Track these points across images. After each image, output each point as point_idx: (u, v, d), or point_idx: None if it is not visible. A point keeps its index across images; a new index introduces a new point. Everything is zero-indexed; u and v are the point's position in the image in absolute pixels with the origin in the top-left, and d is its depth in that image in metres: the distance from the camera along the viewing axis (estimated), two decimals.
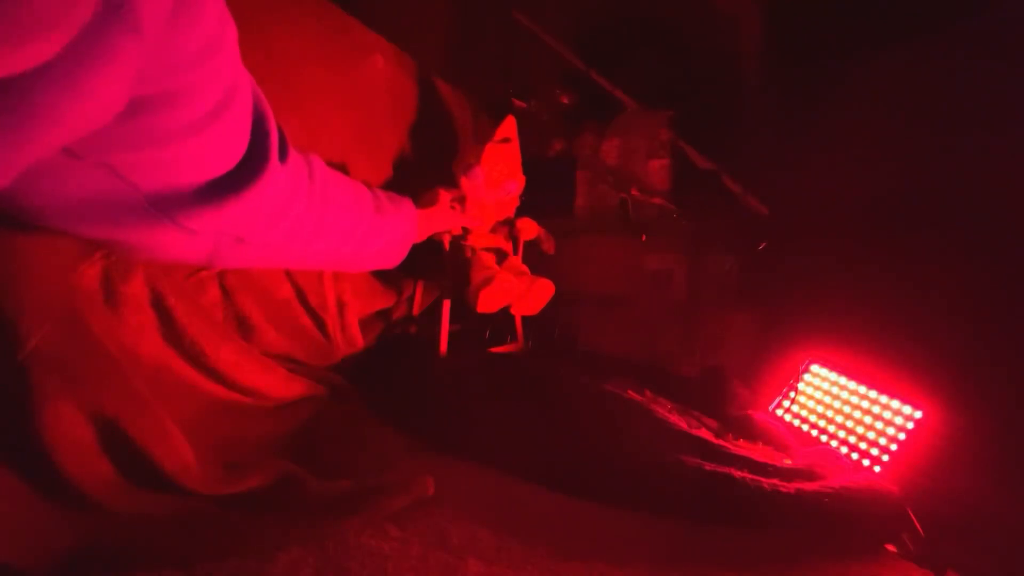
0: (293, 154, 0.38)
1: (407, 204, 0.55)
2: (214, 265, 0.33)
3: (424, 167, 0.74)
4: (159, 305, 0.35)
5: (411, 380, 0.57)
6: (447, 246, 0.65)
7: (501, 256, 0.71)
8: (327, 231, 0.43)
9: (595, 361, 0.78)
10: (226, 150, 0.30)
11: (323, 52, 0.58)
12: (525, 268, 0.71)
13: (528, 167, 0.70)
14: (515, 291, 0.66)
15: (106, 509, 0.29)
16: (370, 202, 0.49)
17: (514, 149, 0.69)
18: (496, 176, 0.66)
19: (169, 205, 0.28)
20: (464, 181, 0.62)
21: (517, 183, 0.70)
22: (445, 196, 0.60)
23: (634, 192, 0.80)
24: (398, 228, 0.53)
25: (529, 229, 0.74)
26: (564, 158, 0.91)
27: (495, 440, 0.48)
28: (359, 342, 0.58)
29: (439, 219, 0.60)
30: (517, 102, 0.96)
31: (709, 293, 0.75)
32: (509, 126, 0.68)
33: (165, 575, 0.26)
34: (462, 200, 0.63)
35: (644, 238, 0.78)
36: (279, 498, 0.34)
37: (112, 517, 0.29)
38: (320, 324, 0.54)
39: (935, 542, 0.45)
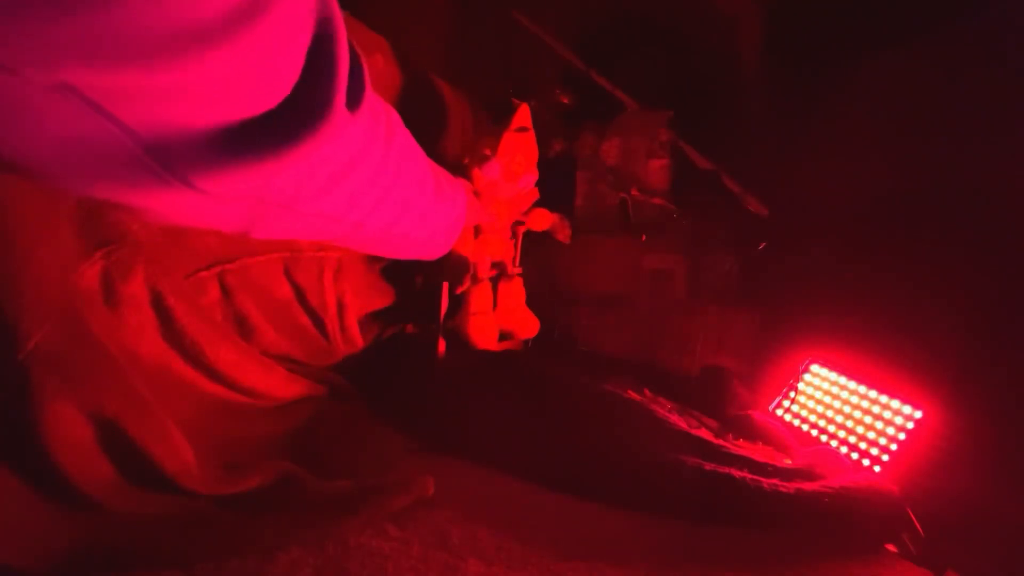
0: (371, 99, 0.28)
1: (462, 187, 0.48)
2: (252, 235, 0.26)
3: None
4: (159, 305, 0.35)
5: (411, 380, 0.57)
6: (451, 258, 0.60)
7: (502, 269, 0.68)
8: (389, 206, 0.35)
9: (595, 361, 0.78)
10: (263, 79, 0.20)
11: None
12: (521, 295, 0.68)
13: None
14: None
15: (106, 509, 0.29)
16: (432, 178, 0.42)
17: (530, 139, 0.65)
18: (514, 168, 0.62)
19: (177, 158, 0.19)
20: (478, 175, 0.57)
21: (533, 175, 0.66)
22: (466, 187, 0.54)
23: (634, 192, 0.80)
24: (452, 214, 0.46)
25: (541, 220, 0.70)
26: (564, 158, 0.91)
27: (495, 440, 0.48)
28: (359, 342, 0.58)
29: (475, 210, 0.54)
30: (517, 102, 0.96)
31: (709, 293, 0.75)
32: (524, 114, 0.64)
33: (165, 575, 0.26)
34: (476, 194, 0.58)
35: (644, 238, 0.78)
36: (279, 498, 0.34)
37: (112, 517, 0.29)
38: (320, 324, 0.54)
39: (935, 542, 0.45)
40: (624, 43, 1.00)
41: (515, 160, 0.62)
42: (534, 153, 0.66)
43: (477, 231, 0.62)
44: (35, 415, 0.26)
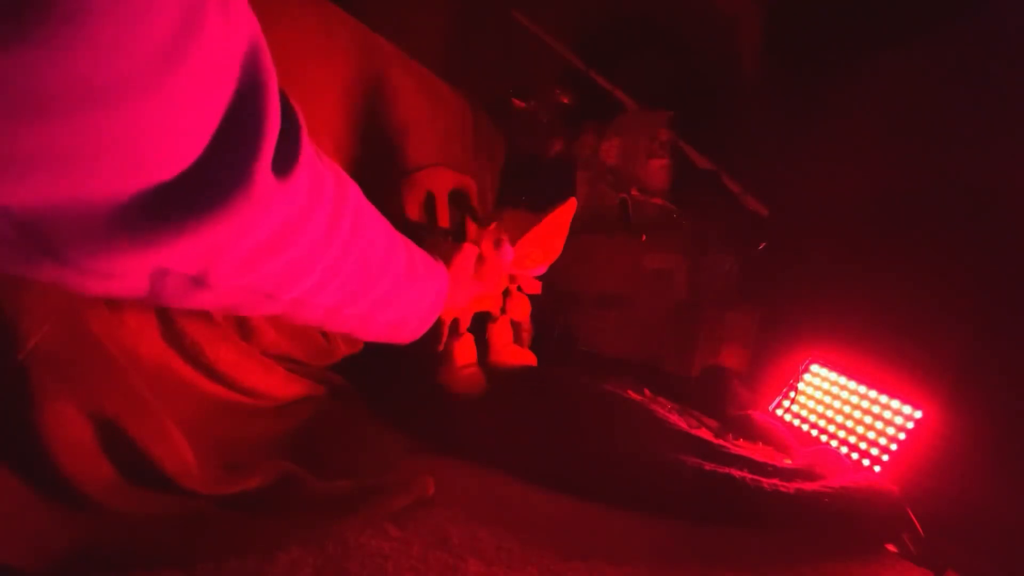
0: (309, 164, 0.24)
1: (440, 272, 0.43)
2: (164, 303, 0.22)
3: (424, 168, 0.74)
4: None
5: (411, 380, 0.57)
6: None
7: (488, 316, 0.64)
8: (340, 285, 0.30)
9: (595, 361, 0.78)
10: (169, 142, 0.17)
11: (323, 52, 0.58)
12: (510, 333, 0.64)
13: (528, 167, 0.69)
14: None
15: (106, 509, 0.29)
16: (403, 259, 0.37)
17: (560, 239, 0.60)
18: (527, 262, 0.58)
19: (56, 237, 0.16)
20: (490, 252, 0.52)
21: (543, 267, 0.61)
22: (471, 252, 0.49)
23: (634, 192, 0.80)
24: (424, 300, 0.40)
25: (521, 310, 0.65)
26: (564, 158, 0.91)
27: (495, 440, 0.48)
28: (359, 342, 0.58)
29: (462, 288, 0.48)
30: (517, 102, 0.96)
31: (709, 293, 0.75)
32: (566, 214, 0.59)
33: (165, 575, 0.26)
34: (482, 261, 0.51)
35: (644, 238, 0.78)
36: (279, 498, 0.34)
37: (112, 517, 0.29)
38: None
39: (935, 542, 0.45)
40: (624, 43, 1.00)
41: (532, 256, 0.58)
42: (556, 252, 0.61)
43: None
44: (35, 415, 0.26)
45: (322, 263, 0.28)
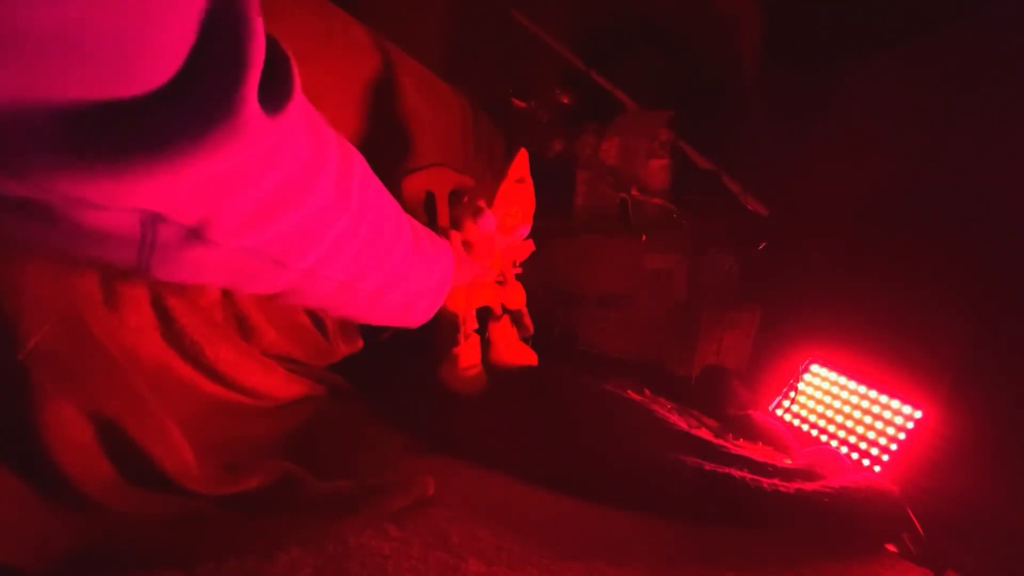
0: (307, 107, 0.23)
1: (446, 248, 0.43)
2: (153, 273, 0.20)
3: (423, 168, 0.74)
4: (159, 305, 0.35)
5: (411, 380, 0.57)
6: (441, 313, 0.55)
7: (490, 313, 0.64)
8: (352, 256, 0.29)
9: (595, 361, 0.78)
10: (135, 41, 0.15)
11: (323, 52, 0.58)
12: (513, 332, 0.65)
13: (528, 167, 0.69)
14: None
15: (106, 509, 0.29)
16: (408, 234, 0.36)
17: (528, 189, 0.62)
18: (510, 221, 0.59)
19: (19, 142, 0.14)
20: (472, 227, 0.52)
21: (528, 225, 0.62)
22: (455, 238, 0.49)
23: (634, 192, 0.80)
24: (432, 276, 0.40)
25: (517, 298, 0.65)
26: (564, 158, 0.91)
27: (495, 440, 0.48)
28: (359, 342, 0.58)
29: (462, 269, 0.48)
30: (517, 102, 0.96)
31: (709, 293, 0.75)
32: (522, 163, 0.60)
33: (165, 575, 0.26)
34: (468, 245, 0.52)
35: (644, 238, 0.78)
36: (279, 498, 0.34)
37: (112, 517, 0.29)
38: (320, 324, 0.54)
39: (935, 542, 0.45)
40: (624, 43, 1.00)
41: (511, 212, 0.59)
42: (531, 204, 0.62)
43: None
44: (35, 415, 0.26)
45: (333, 230, 0.27)
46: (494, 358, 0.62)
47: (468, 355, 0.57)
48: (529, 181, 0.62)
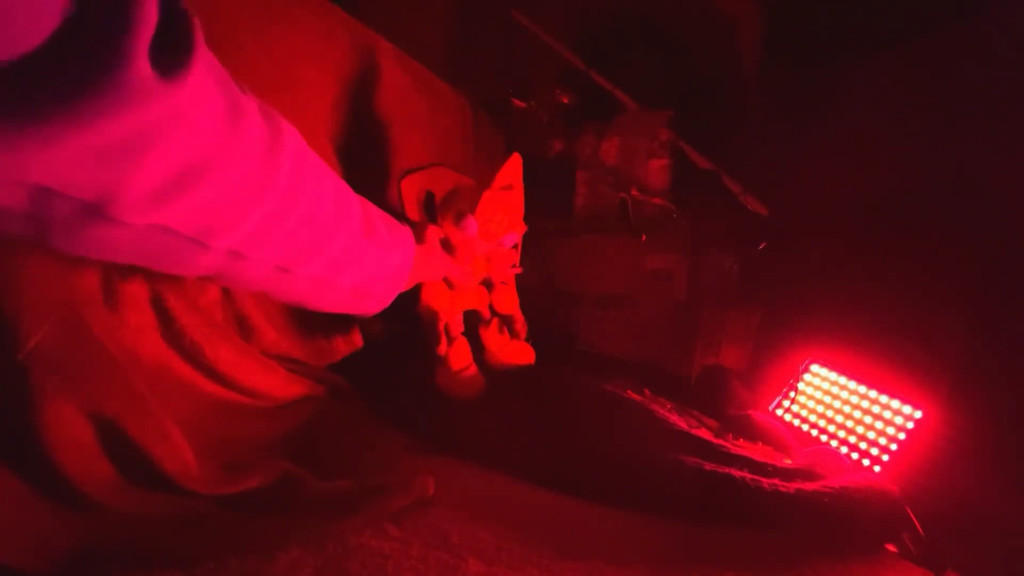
0: (215, 71, 0.21)
1: (406, 234, 0.41)
2: (53, 238, 0.19)
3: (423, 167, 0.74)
4: (159, 305, 0.35)
5: (411, 380, 0.57)
6: (422, 312, 0.55)
7: (478, 318, 0.63)
8: (291, 237, 0.28)
9: (595, 361, 0.78)
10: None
11: (323, 52, 0.58)
12: (506, 336, 0.63)
13: (528, 167, 0.69)
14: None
15: (106, 509, 0.29)
16: (358, 216, 0.34)
17: (516, 197, 0.59)
18: (493, 228, 0.56)
19: None
20: (452, 229, 0.50)
21: (517, 232, 0.60)
22: (434, 234, 0.47)
23: (634, 192, 0.80)
24: (387, 262, 0.38)
25: (508, 303, 0.63)
26: (564, 158, 0.91)
27: (495, 440, 0.48)
28: (359, 342, 0.58)
29: (433, 262, 0.47)
30: (517, 102, 0.96)
31: (709, 293, 0.75)
32: (513, 170, 0.58)
33: (165, 575, 0.26)
34: (450, 246, 0.50)
35: (644, 238, 0.78)
36: (279, 498, 0.34)
37: (112, 517, 0.29)
38: (320, 324, 0.54)
39: (935, 542, 0.45)
40: (624, 43, 1.00)
41: (495, 219, 0.56)
42: (519, 211, 0.60)
43: (449, 285, 0.56)
44: (35, 415, 0.26)
45: (259, 209, 0.25)
46: (489, 360, 0.62)
47: (458, 358, 0.56)
48: (519, 188, 0.59)
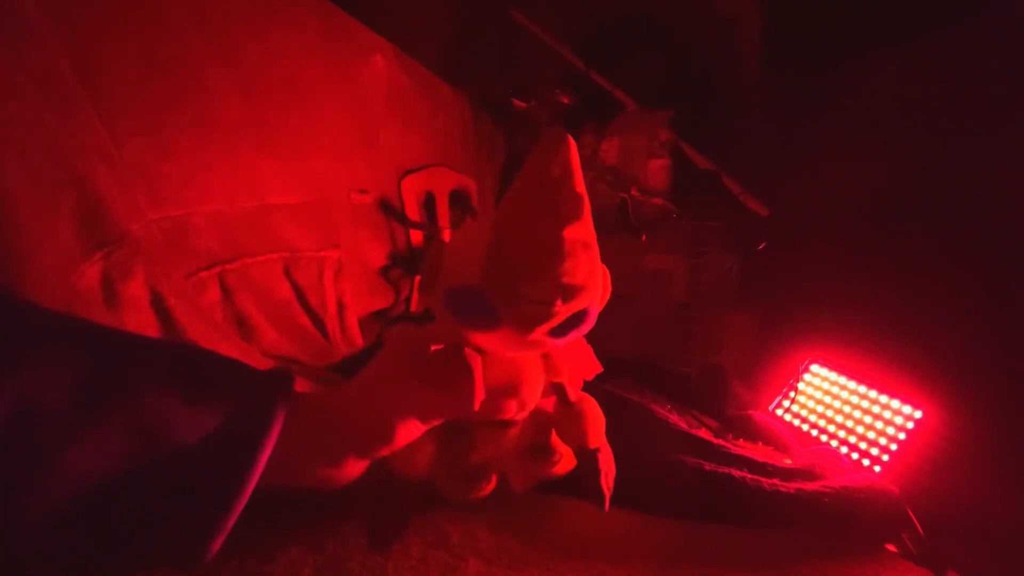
0: None
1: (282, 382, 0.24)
2: None
3: (423, 168, 0.74)
4: (159, 305, 0.35)
5: None
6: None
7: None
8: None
9: None
10: None
11: (323, 52, 0.58)
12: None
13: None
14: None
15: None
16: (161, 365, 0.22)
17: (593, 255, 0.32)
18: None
19: None
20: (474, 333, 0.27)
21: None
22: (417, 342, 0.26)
23: (634, 192, 0.80)
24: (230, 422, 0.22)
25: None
26: None
27: None
28: (359, 342, 0.58)
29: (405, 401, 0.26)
30: (517, 102, 0.96)
31: (709, 293, 0.75)
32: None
33: (165, 575, 0.26)
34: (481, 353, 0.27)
35: (644, 238, 0.78)
36: (279, 498, 0.34)
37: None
38: (320, 324, 0.54)
39: (935, 542, 0.45)
40: (624, 43, 1.00)
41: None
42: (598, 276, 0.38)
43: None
44: None
45: None
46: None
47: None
48: (593, 241, 0.26)
